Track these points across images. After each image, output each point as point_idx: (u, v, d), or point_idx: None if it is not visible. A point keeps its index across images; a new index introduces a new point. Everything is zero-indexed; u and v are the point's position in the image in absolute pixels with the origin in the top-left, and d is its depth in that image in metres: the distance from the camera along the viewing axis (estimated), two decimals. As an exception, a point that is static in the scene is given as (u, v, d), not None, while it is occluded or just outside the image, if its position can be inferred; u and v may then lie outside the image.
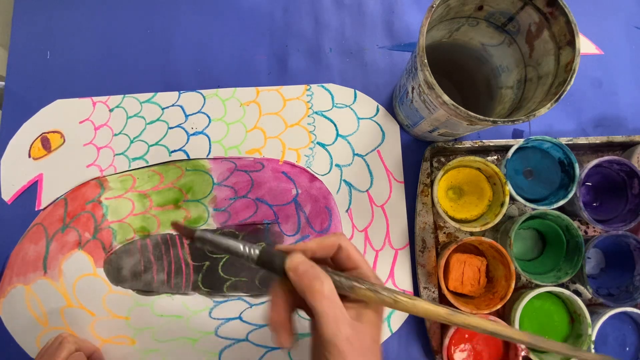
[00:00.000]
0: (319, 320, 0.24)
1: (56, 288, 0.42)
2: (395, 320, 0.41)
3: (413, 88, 0.36)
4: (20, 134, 0.45)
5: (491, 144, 0.42)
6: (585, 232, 0.42)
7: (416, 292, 0.42)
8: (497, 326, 0.25)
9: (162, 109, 0.45)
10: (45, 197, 0.44)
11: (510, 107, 0.37)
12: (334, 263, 0.28)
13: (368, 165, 0.44)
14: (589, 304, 0.39)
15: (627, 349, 0.40)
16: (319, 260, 0.26)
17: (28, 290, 0.42)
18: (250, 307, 0.41)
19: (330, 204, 0.43)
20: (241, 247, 0.25)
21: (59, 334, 0.38)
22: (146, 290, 0.42)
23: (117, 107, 0.45)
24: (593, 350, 0.37)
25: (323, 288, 0.24)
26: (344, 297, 0.25)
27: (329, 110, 0.45)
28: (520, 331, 0.30)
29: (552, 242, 0.41)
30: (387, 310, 0.41)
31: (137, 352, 0.41)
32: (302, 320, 0.41)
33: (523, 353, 0.37)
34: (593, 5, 0.48)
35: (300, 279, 0.24)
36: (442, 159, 0.44)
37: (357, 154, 0.44)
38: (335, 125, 0.45)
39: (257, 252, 0.25)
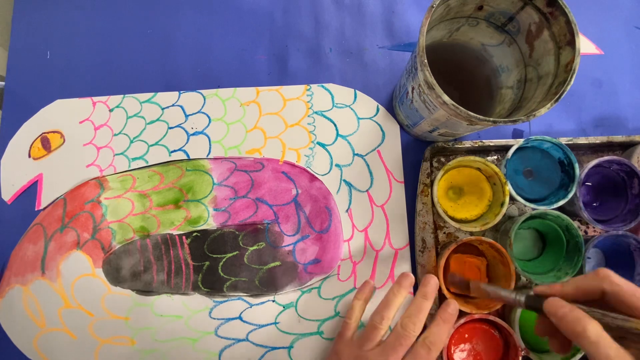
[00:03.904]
0: None
1: (54, 289, 0.42)
2: (395, 320, 0.41)
3: (413, 88, 0.36)
4: (20, 134, 0.45)
5: (491, 144, 0.42)
6: (585, 232, 0.42)
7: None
8: None
9: (162, 109, 0.45)
10: (45, 197, 0.44)
11: (510, 107, 0.37)
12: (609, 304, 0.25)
13: (368, 165, 0.44)
14: (589, 304, 0.39)
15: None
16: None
17: (26, 291, 0.42)
18: (250, 307, 0.41)
19: (330, 204, 0.43)
20: (512, 295, 0.29)
21: None
22: (146, 291, 0.42)
23: (117, 107, 0.45)
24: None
25: (587, 333, 0.23)
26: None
27: (329, 110, 0.45)
28: None
29: (552, 242, 0.41)
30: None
31: (137, 352, 0.41)
32: (302, 320, 0.41)
33: (523, 353, 0.37)
34: (593, 5, 0.48)
35: (560, 323, 0.24)
36: (442, 159, 0.44)
37: (357, 154, 0.44)
38: (335, 125, 0.45)
39: (522, 299, 0.29)
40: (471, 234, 0.41)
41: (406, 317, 0.32)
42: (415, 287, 0.42)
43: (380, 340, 0.33)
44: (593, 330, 0.23)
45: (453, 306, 0.33)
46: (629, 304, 0.24)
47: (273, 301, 0.42)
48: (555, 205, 0.38)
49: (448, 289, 0.38)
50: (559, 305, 0.25)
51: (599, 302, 0.25)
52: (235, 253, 0.42)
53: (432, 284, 0.33)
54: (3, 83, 0.47)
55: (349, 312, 0.37)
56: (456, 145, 0.42)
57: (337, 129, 0.44)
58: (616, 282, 0.24)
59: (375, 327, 0.33)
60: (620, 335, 0.23)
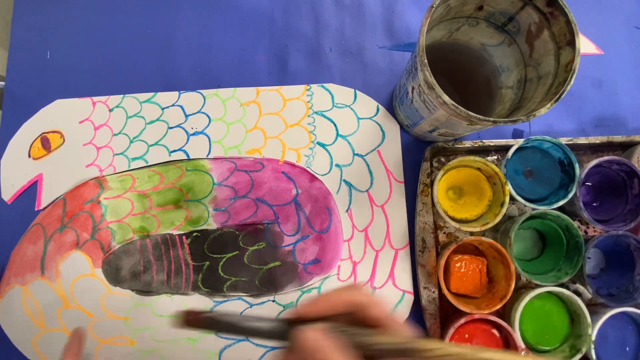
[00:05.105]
0: None
1: (53, 289, 0.42)
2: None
3: (413, 88, 0.36)
4: (20, 134, 0.45)
5: (491, 144, 0.42)
6: (585, 232, 0.42)
7: (416, 292, 0.41)
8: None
9: (162, 109, 0.45)
10: (45, 197, 0.44)
11: (510, 107, 0.37)
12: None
13: (368, 165, 0.44)
14: (589, 304, 0.39)
15: (627, 349, 0.40)
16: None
17: (25, 291, 0.42)
18: (250, 307, 0.41)
19: (330, 204, 0.43)
20: (263, 325, 0.24)
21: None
22: (146, 291, 0.42)
23: (117, 107, 0.45)
24: (593, 352, 0.37)
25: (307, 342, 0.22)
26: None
27: (329, 110, 0.45)
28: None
29: (552, 242, 0.41)
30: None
31: (137, 352, 0.41)
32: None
33: (523, 353, 0.37)
34: (593, 5, 0.48)
35: (308, 355, 0.22)
36: (442, 159, 0.44)
37: (357, 154, 0.44)
38: (335, 125, 0.45)
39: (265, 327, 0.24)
40: (471, 234, 0.41)
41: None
42: (415, 288, 0.42)
43: None
44: (310, 335, 0.22)
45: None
46: (375, 318, 0.23)
47: (273, 301, 0.42)
48: (555, 205, 0.38)
49: (448, 289, 0.38)
50: (308, 337, 0.22)
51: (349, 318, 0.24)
52: (235, 253, 0.42)
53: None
54: (3, 83, 0.47)
55: None
56: (456, 145, 0.42)
57: (337, 129, 0.44)
58: (366, 296, 0.23)
59: None
60: (370, 355, 0.22)
